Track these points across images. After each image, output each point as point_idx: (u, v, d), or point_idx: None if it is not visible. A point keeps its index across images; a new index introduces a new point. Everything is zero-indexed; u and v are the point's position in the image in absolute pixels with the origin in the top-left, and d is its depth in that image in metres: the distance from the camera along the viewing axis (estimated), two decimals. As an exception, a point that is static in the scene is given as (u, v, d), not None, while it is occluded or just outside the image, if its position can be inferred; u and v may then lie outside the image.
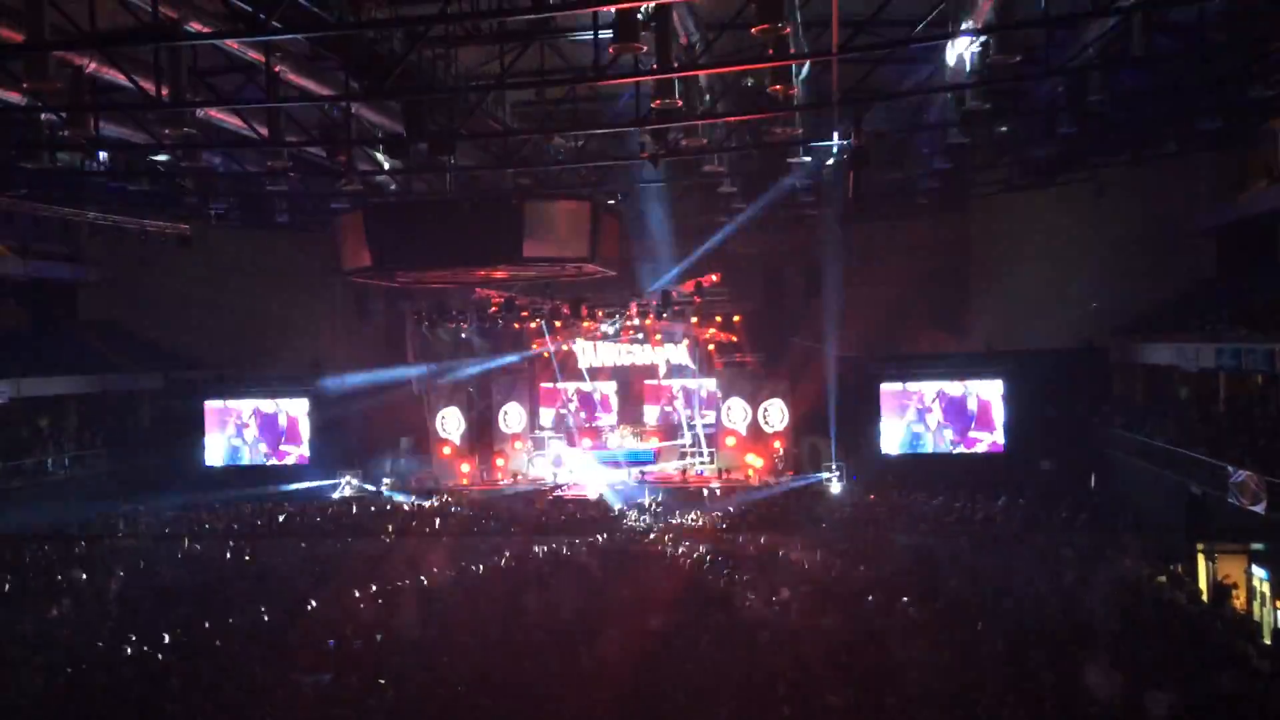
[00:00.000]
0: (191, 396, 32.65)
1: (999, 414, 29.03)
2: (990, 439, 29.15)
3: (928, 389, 29.59)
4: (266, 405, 32.19)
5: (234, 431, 32.26)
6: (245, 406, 32.25)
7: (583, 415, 32.42)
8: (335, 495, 29.13)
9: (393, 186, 23.65)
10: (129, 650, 13.81)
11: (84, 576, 18.68)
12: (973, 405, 29.34)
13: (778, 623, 14.18)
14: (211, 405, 32.21)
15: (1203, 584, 18.16)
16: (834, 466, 28.36)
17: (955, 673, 11.67)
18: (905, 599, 14.69)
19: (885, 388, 29.76)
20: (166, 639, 14.21)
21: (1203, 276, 28.72)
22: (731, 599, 15.49)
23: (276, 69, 15.21)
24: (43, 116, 17.36)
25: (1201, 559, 19.13)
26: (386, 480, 30.20)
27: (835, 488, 27.80)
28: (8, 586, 18.49)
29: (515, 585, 17.00)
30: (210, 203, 26.69)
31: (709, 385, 31.87)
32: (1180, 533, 20.25)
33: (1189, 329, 24.62)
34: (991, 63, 14.46)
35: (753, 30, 11.72)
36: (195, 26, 12.92)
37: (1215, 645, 13.09)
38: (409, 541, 21.88)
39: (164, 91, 14.65)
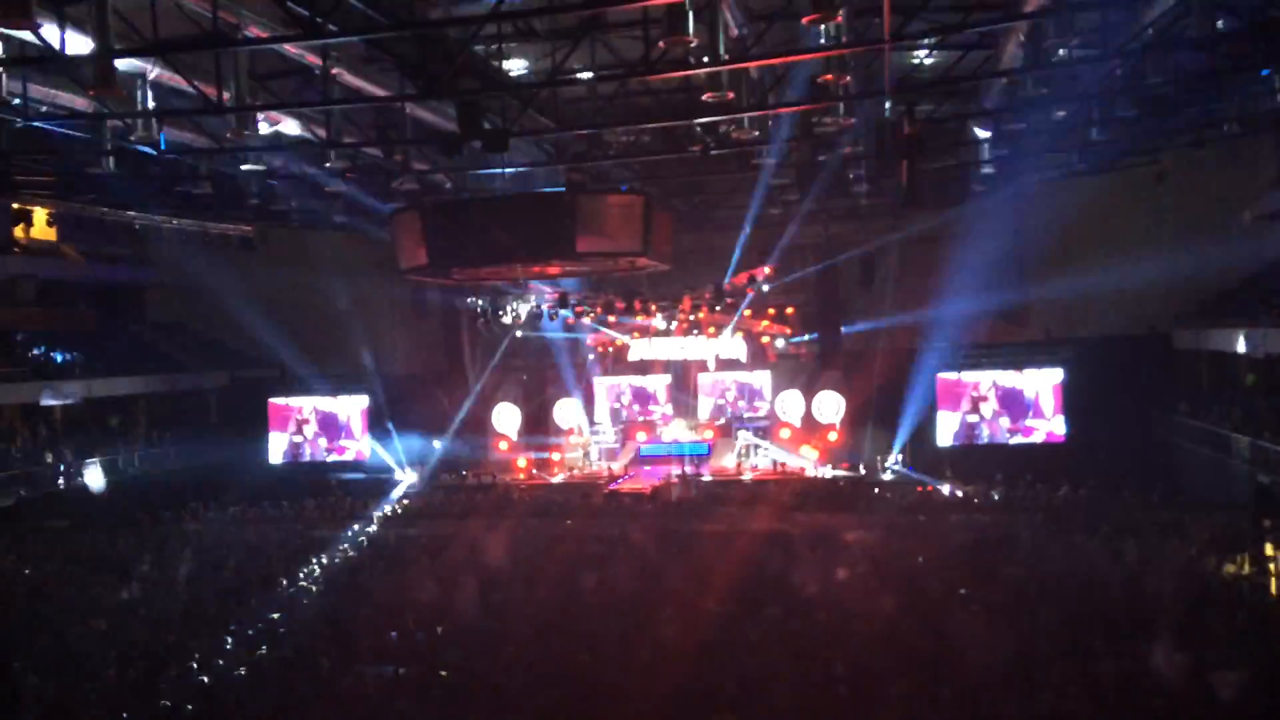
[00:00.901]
0: (255, 395, 33.30)
1: (1058, 403, 28.61)
2: (1049, 428, 28.75)
3: (984, 378, 29.27)
4: (326, 402, 32.73)
5: (295, 429, 32.83)
6: (306, 404, 32.81)
7: (636, 409, 32.53)
8: (393, 492, 29.55)
9: (448, 185, 23.91)
10: (195, 641, 14.16)
11: (148, 565, 19.23)
12: (1030, 394, 28.97)
13: (835, 603, 14.22)
14: (274, 403, 32.82)
15: (1271, 571, 17.78)
16: (891, 458, 28.17)
17: (1014, 656, 11.63)
18: (963, 590, 14.61)
19: (941, 378, 29.47)
20: (233, 629, 14.56)
21: (1268, 260, 28.02)
22: (789, 579, 15.56)
23: (333, 71, 15.47)
24: (108, 123, 17.84)
25: (1270, 547, 18.72)
26: (445, 476, 30.57)
27: (890, 478, 27.64)
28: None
29: (572, 567, 17.19)
30: (271, 205, 27.18)
31: (763, 378, 31.79)
32: (1248, 521, 19.84)
33: (1255, 314, 24.08)
34: (1047, 46, 14.29)
35: (804, 20, 11.70)
36: (253, 32, 13.20)
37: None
38: (471, 525, 22.23)
39: (224, 96, 14.97)
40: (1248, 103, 20.81)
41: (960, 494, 24.78)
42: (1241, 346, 24.58)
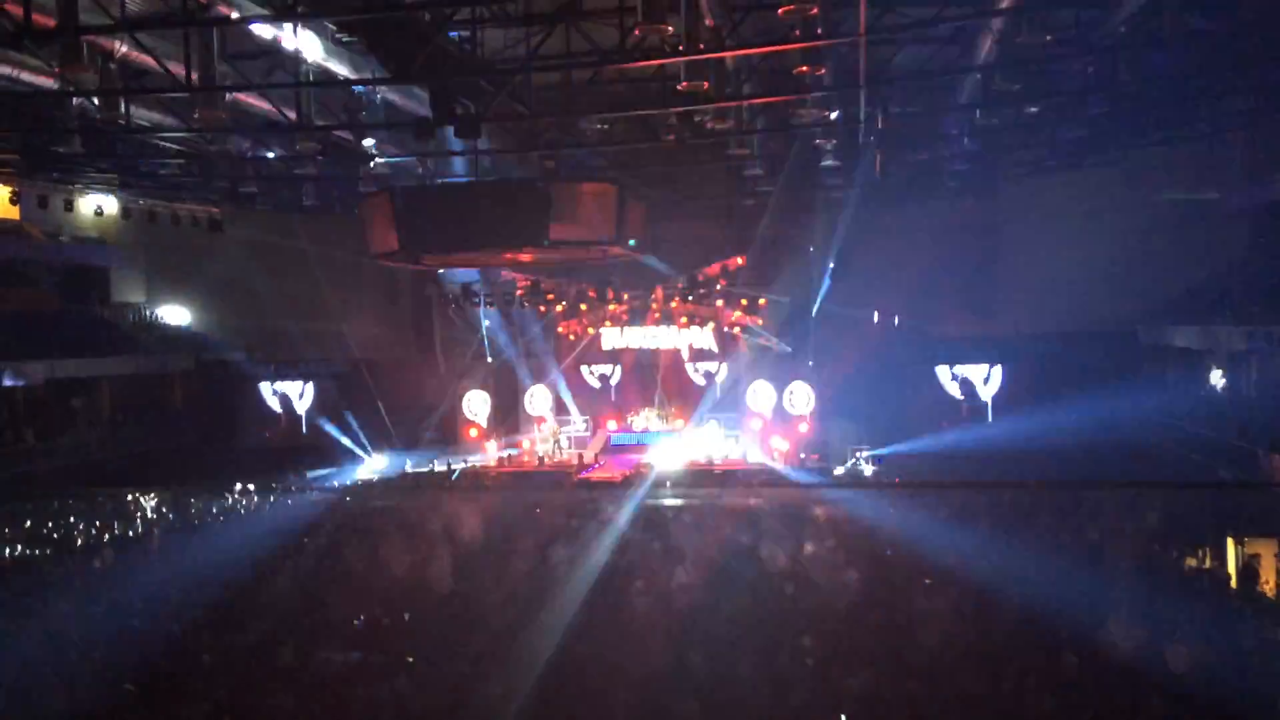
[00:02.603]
0: (221, 378, 33.01)
1: (1027, 397, 28.88)
2: (1017, 422, 28.99)
3: (955, 371, 29.50)
4: (295, 387, 32.49)
5: (261, 412, 32.57)
6: (274, 388, 32.56)
7: (607, 397, 32.55)
8: (361, 476, 29.39)
9: (419, 170, 23.76)
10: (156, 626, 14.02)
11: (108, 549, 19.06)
12: (1000, 387, 29.25)
13: (802, 576, 14.49)
14: (240, 386, 32.55)
15: (1231, 569, 18.03)
16: (861, 449, 28.30)
17: (973, 625, 11.92)
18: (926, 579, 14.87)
19: (911, 370, 29.67)
20: (194, 614, 14.42)
21: (1234, 259, 28.39)
22: (758, 554, 15.80)
23: (303, 54, 15.32)
24: (74, 101, 17.57)
25: (1230, 543, 18.98)
26: (409, 463, 30.44)
27: (867, 471, 27.76)
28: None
29: (544, 540, 17.25)
30: (239, 186, 26.91)
31: (734, 369, 31.89)
32: (1210, 516, 20.10)
33: (1220, 312, 24.38)
34: (1020, 43, 14.36)
35: (779, 11, 11.70)
36: (224, 10, 13.03)
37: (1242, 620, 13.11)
38: (440, 509, 22.21)
39: (194, 76, 14.78)
40: (1217, 101, 21.05)
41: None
42: (1206, 344, 24.90)
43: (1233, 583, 16.79)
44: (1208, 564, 17.62)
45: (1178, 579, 15.56)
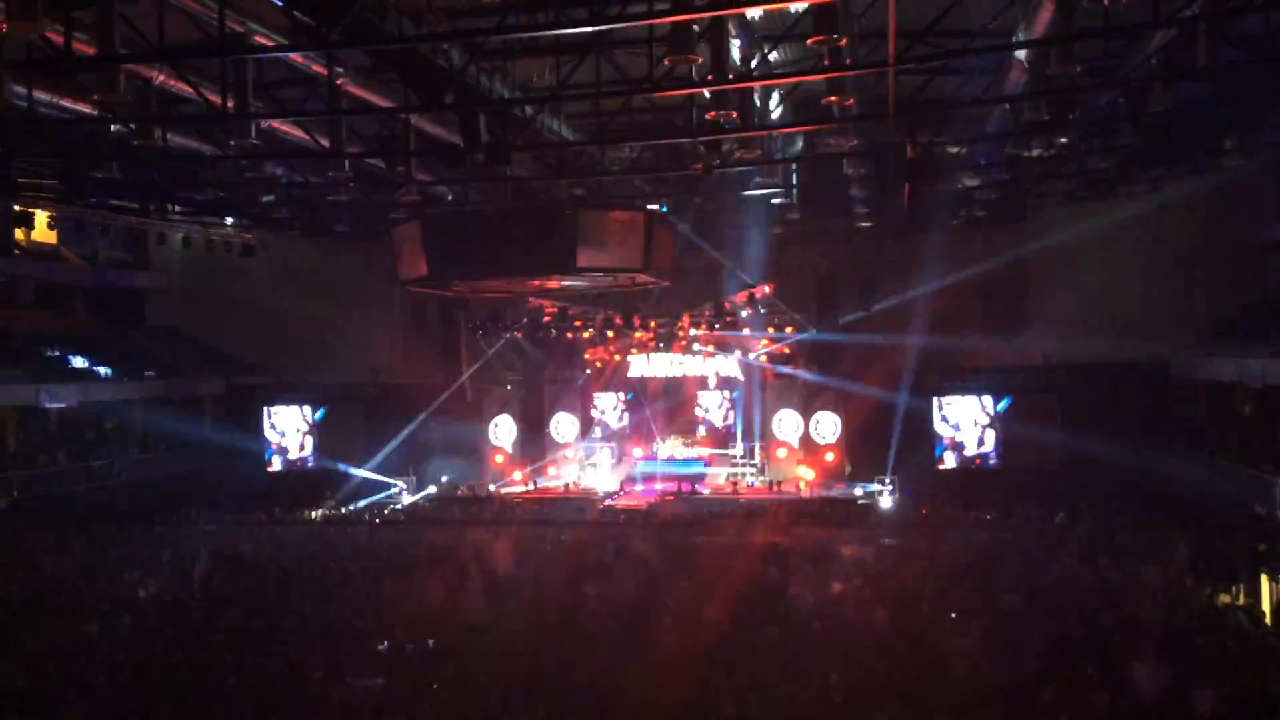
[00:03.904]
0: (252, 401, 33.26)
1: (1057, 428, 28.62)
2: (1047, 454, 28.73)
3: (984, 402, 29.29)
4: (324, 410, 32.68)
5: (291, 436, 32.77)
6: (303, 411, 32.76)
7: (633, 425, 32.51)
8: (389, 501, 29.49)
9: (449, 197, 23.95)
10: (182, 649, 14.08)
11: (139, 571, 19.20)
12: (1030, 419, 29.00)
13: (830, 615, 14.32)
14: (271, 410, 32.78)
15: (1266, 605, 17.72)
16: (887, 479, 28.11)
17: (1003, 667, 11.75)
18: (953, 614, 14.66)
19: (940, 400, 29.48)
20: (221, 637, 14.49)
21: (1268, 290, 28.05)
22: (785, 591, 15.65)
23: (338, 81, 15.52)
24: (112, 127, 17.86)
25: (1265, 579, 18.65)
26: (435, 486, 30.52)
27: (886, 501, 27.56)
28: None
29: (574, 575, 17.22)
30: (273, 213, 27.20)
31: (760, 397, 31.82)
32: (1243, 552, 19.79)
33: (1253, 344, 24.07)
34: (1051, 74, 14.32)
35: (808, 41, 11.74)
36: (260, 40, 13.24)
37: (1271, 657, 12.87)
38: (469, 536, 22.22)
39: (229, 103, 15.00)
40: (1249, 132, 20.88)
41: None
42: (1239, 375, 24.56)
43: (1268, 619, 16.52)
44: (1242, 600, 17.34)
45: (1211, 616, 15.33)
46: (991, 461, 29.35)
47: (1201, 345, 27.56)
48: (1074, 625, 13.60)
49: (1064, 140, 20.60)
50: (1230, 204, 27.56)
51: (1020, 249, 30.22)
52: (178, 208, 27.36)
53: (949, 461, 29.42)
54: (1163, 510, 23.47)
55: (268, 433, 32.70)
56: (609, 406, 32.99)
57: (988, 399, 29.41)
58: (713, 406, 32.42)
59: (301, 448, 32.82)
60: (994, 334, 31.93)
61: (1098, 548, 19.43)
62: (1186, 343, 28.26)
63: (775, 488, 29.62)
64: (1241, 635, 14.28)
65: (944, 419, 29.65)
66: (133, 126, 16.75)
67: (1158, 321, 28.63)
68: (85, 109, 16.49)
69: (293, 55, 14.59)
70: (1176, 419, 28.49)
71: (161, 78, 15.03)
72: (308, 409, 32.76)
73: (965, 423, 29.53)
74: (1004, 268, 30.48)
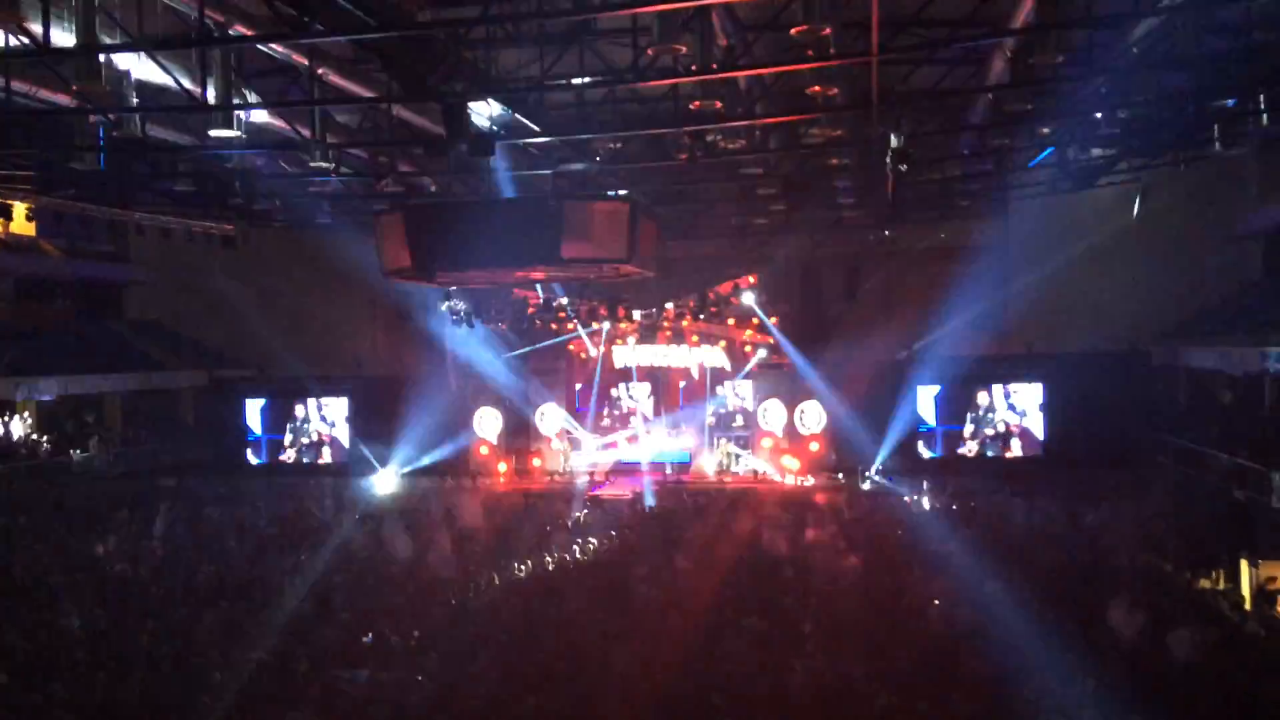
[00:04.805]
0: (233, 394, 33.09)
1: (1038, 417, 28.79)
2: (1029, 442, 28.91)
3: (965, 392, 29.42)
4: (306, 404, 32.54)
5: (275, 430, 32.62)
6: (286, 406, 32.61)
7: (618, 416, 32.49)
8: (372, 495, 29.39)
9: (433, 188, 23.85)
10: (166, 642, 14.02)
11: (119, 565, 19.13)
12: (1000, 409, 29.22)
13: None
14: (253, 404, 32.61)
15: (1245, 591, 17.89)
16: (872, 468, 28.23)
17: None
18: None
19: (923, 390, 29.60)
20: (205, 630, 14.43)
21: (1248, 279, 28.27)
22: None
23: (319, 71, 15.41)
24: (90, 118, 17.68)
25: (1245, 565, 18.83)
26: (420, 481, 30.42)
27: (869, 487, 27.71)
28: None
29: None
30: (254, 204, 27.00)
31: (745, 387, 31.85)
32: (1223, 538, 19.97)
33: (1234, 333, 24.26)
34: (1033, 63, 14.36)
35: (792, 31, 11.73)
36: (240, 29, 13.12)
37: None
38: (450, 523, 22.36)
39: (209, 94, 14.87)
40: (1230, 123, 20.98)
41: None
42: (1219, 364, 24.76)
43: (1247, 604, 16.67)
44: (1221, 585, 17.50)
45: (1190, 601, 15.47)
46: (975, 451, 29.49)
47: (1182, 334, 27.78)
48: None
49: (1046, 130, 20.70)
50: (1210, 194, 27.77)
51: (1002, 238, 30.37)
52: (158, 199, 27.13)
53: (935, 450, 29.53)
54: (1145, 498, 23.71)
55: (249, 425, 32.52)
56: (595, 397, 32.95)
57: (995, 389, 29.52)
58: (697, 397, 32.40)
59: (284, 441, 32.64)
60: (977, 323, 32.06)
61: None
62: (1167, 331, 28.49)
63: (760, 477, 29.69)
64: (1222, 620, 14.41)
65: (929, 408, 29.78)
66: (112, 117, 16.60)
67: (1139, 311, 28.85)
68: (64, 100, 16.31)
69: (273, 45, 14.47)
70: (1158, 407, 28.69)
71: (141, 68, 14.88)
72: (290, 402, 32.59)
73: (950, 412, 29.67)
74: (986, 257, 30.62)
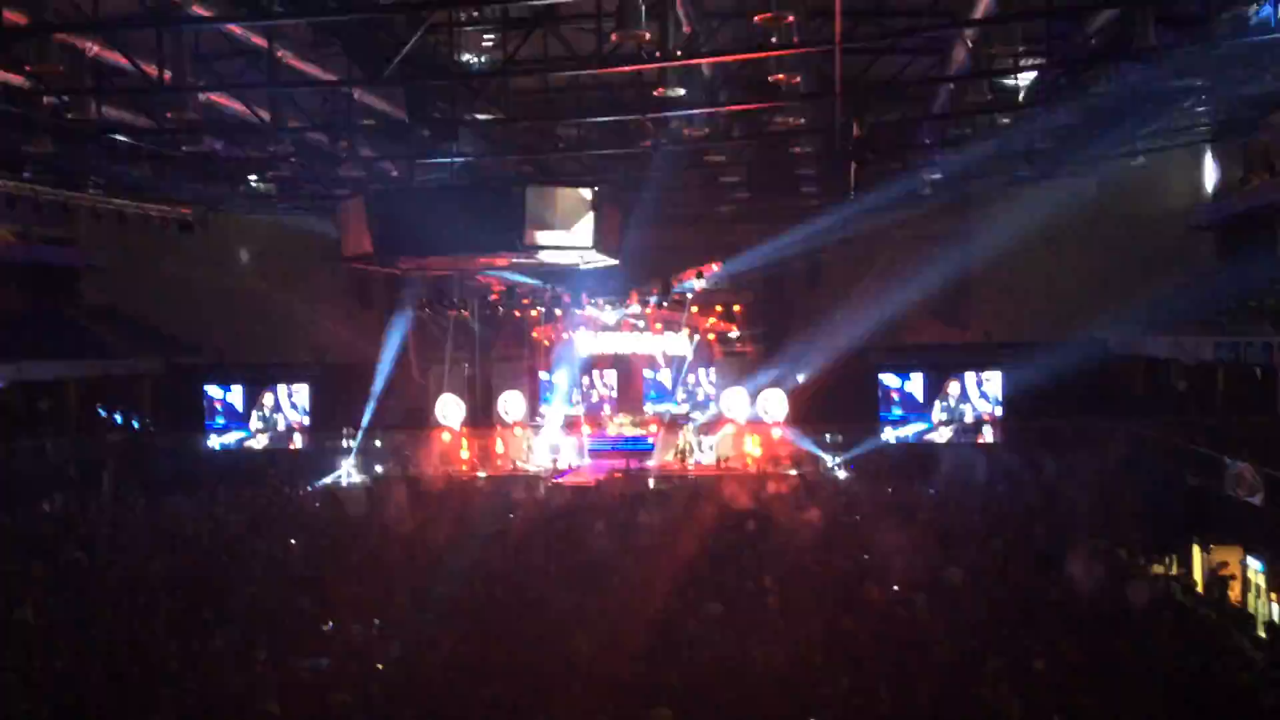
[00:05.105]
0: (191, 382, 32.69)
1: (997, 405, 29.11)
2: (988, 430, 29.22)
3: (925, 380, 29.70)
4: (266, 391, 32.23)
5: (232, 417, 32.28)
6: (246, 392, 32.27)
7: (581, 403, 32.51)
8: (332, 480, 29.21)
9: (394, 173, 23.66)
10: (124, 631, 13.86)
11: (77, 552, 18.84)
12: (972, 396, 29.44)
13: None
14: (212, 390, 32.25)
15: (1198, 575, 18.26)
16: (833, 457, 28.40)
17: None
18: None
19: (885, 378, 29.83)
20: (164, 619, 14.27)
21: (1202, 269, 28.74)
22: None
23: (279, 54, 15.23)
24: (45, 100, 17.38)
25: (1197, 550, 19.21)
26: (381, 466, 30.25)
27: (840, 474, 27.86)
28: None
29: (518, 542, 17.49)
30: (212, 188, 26.67)
31: (708, 375, 31.98)
32: (1177, 524, 20.32)
33: (1188, 321, 24.66)
34: (993, 54, 14.50)
35: (756, 19, 11.76)
36: (197, 10, 12.95)
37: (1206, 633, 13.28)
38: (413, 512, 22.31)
39: (166, 76, 14.66)
40: (1186, 114, 21.32)
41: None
42: (1174, 352, 25.19)
43: (1200, 588, 17.01)
44: (1175, 570, 17.83)
45: (1144, 584, 15.75)
46: (947, 439, 29.75)
47: (1137, 322, 28.19)
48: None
49: (1005, 120, 20.91)
50: (1165, 185, 28.22)
51: (962, 227, 30.65)
52: (113, 183, 26.73)
53: (894, 437, 29.78)
54: (1101, 485, 24.06)
55: (209, 413, 32.15)
56: (558, 384, 32.93)
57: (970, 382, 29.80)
58: (660, 384, 32.48)
59: (244, 429, 32.32)
60: (937, 312, 32.40)
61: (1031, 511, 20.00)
62: (1123, 320, 28.89)
63: (722, 465, 29.80)
64: (1175, 606, 14.68)
65: (890, 395, 30.02)
66: (66, 99, 16.33)
67: (1096, 299, 29.23)
68: (17, 81, 16.01)
69: (231, 26, 14.28)
70: (1114, 395, 29.10)
71: (96, 49, 14.64)
72: (250, 389, 32.25)
73: (910, 400, 29.94)
74: (946, 247, 30.90)
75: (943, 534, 14.99)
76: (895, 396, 30.01)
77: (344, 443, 30.41)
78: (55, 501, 17.58)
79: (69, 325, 33.59)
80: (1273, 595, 17.45)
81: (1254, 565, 18.28)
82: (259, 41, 15.04)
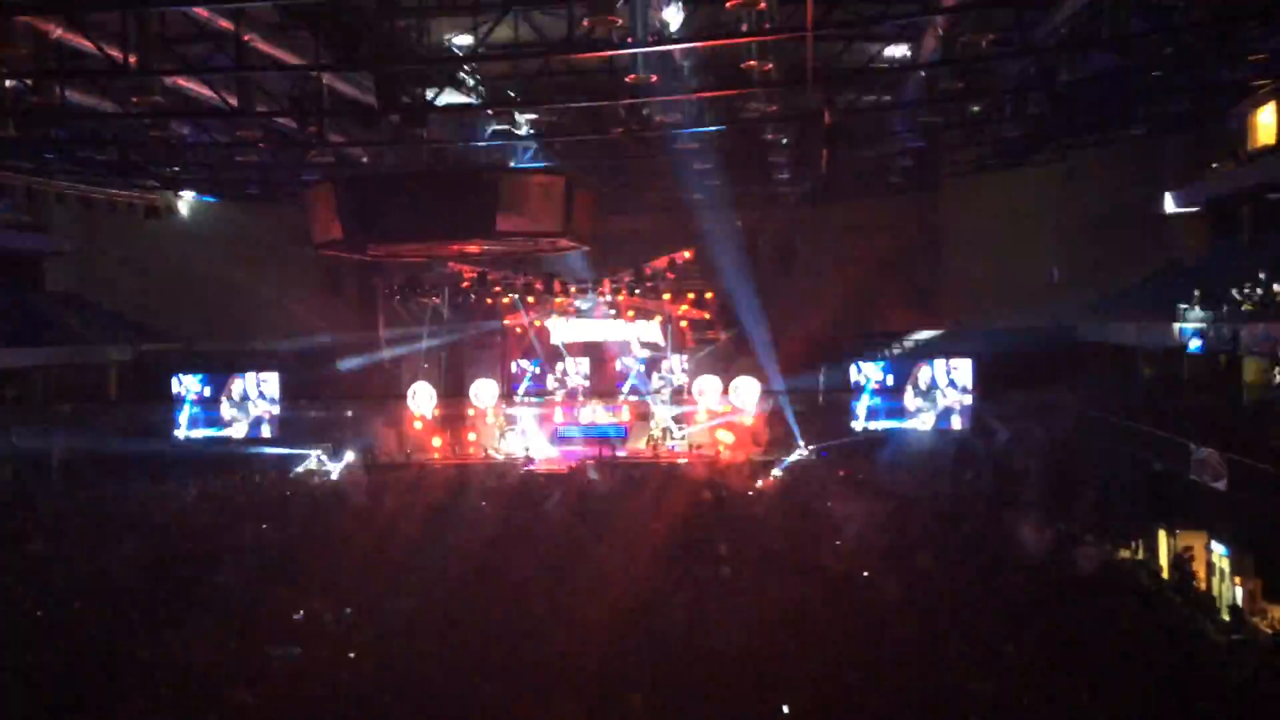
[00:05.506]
0: (160, 369, 32.32)
1: (967, 392, 29.27)
2: (957, 417, 29.40)
3: (895, 366, 29.82)
4: (236, 379, 31.92)
5: (203, 405, 31.96)
6: (215, 380, 31.95)
7: (554, 390, 32.49)
8: (303, 468, 29.04)
9: (364, 159, 23.46)
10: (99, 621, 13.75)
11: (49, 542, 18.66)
12: (941, 383, 29.57)
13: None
14: (181, 378, 31.91)
15: (1163, 560, 18.49)
16: (803, 443, 28.53)
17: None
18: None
19: (854, 365, 29.94)
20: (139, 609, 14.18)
21: (1169, 257, 29.00)
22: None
23: (245, 37, 15.04)
24: (7, 83, 17.07)
25: (1163, 535, 19.44)
26: (353, 454, 30.10)
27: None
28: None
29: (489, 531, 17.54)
30: (179, 173, 26.36)
31: (680, 362, 32.01)
32: (1143, 509, 20.55)
33: (1155, 308, 24.87)
34: (964, 42, 14.54)
35: (728, 4, 11.73)
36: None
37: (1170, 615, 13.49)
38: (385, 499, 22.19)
39: (131, 59, 14.45)
40: (1154, 103, 21.48)
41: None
42: (1140, 339, 25.41)
43: (1165, 573, 17.24)
44: (1141, 555, 18.05)
45: (1110, 569, 15.94)
46: (905, 427, 29.88)
47: (1105, 310, 28.43)
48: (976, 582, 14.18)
49: (976, 109, 20.99)
50: (1133, 173, 28.41)
51: (933, 215, 30.79)
52: (78, 168, 26.36)
53: (862, 426, 29.88)
54: (1070, 470, 24.31)
55: (177, 401, 31.83)
56: (530, 371, 32.86)
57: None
58: (633, 371, 32.50)
59: (214, 417, 32.00)
60: (907, 299, 32.54)
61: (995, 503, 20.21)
62: (1092, 307, 29.13)
63: (694, 451, 29.88)
64: (1141, 589, 14.88)
65: (859, 384, 30.13)
66: (29, 82, 16.05)
67: (1064, 287, 29.45)
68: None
69: (198, 9, 14.10)
70: (1082, 382, 29.32)
71: (60, 31, 14.40)
72: (221, 377, 31.94)
73: (887, 386, 30.02)
74: (917, 234, 31.09)
75: (898, 506, 15.21)
76: (864, 382, 30.09)
77: (313, 432, 30.28)
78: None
79: (34, 312, 33.13)
80: (1237, 579, 17.70)
81: (1218, 550, 18.53)
82: (225, 25, 14.85)
